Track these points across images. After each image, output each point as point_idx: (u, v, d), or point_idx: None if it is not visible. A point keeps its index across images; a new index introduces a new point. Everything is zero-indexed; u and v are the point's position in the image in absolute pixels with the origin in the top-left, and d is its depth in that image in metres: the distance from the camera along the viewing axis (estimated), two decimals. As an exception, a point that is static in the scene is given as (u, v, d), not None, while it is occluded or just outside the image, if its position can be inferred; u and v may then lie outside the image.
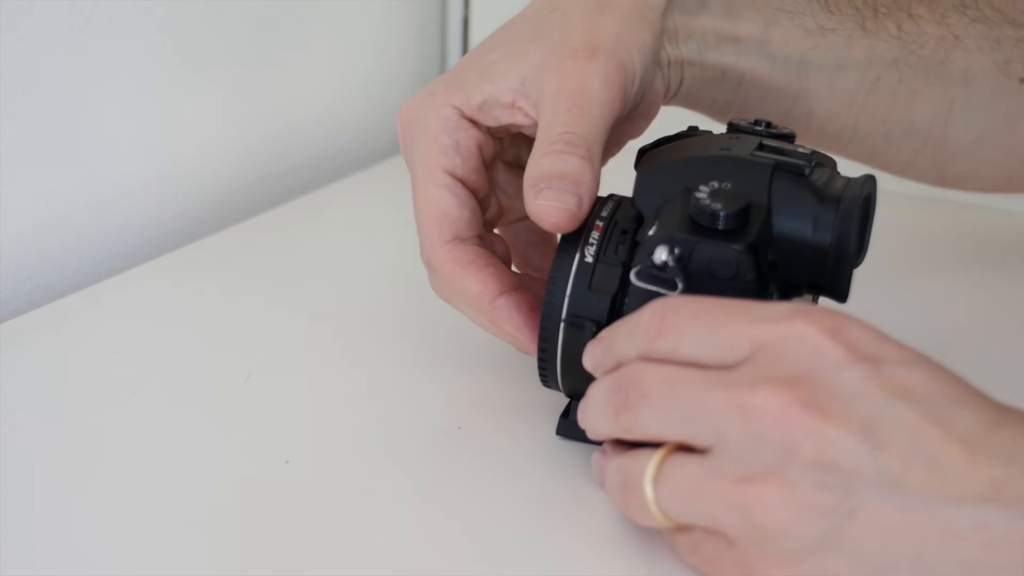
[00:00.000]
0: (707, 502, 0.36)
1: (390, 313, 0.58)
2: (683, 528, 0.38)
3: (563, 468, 0.45)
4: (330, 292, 0.61)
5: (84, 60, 0.62)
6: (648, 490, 0.37)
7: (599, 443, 0.43)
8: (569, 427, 0.46)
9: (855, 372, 0.34)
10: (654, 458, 0.37)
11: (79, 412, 0.49)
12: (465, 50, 0.91)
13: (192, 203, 0.71)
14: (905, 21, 0.53)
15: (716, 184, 0.40)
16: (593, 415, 0.40)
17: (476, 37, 0.89)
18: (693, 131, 0.47)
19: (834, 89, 0.53)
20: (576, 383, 0.43)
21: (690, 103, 0.54)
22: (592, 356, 0.41)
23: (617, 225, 0.43)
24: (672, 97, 0.52)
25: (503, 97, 0.46)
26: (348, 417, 0.49)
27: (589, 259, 0.42)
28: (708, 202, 0.40)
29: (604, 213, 0.43)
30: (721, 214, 0.39)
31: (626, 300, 0.42)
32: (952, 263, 0.68)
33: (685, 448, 0.37)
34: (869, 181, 0.43)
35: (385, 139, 0.86)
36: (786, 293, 0.42)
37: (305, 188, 0.77)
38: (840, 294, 0.43)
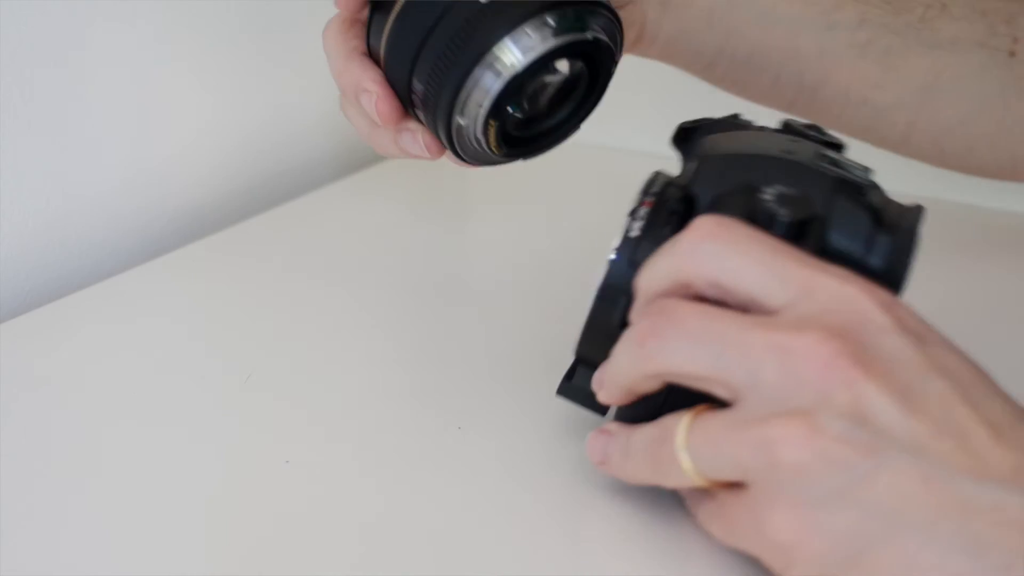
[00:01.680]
0: (735, 446, 0.35)
1: (390, 313, 0.58)
2: (710, 489, 0.38)
3: (564, 468, 0.45)
4: (330, 292, 0.61)
5: (83, 60, 0.62)
6: (681, 443, 0.37)
7: (599, 411, 0.43)
8: (571, 389, 0.45)
9: (900, 341, 0.35)
10: (686, 416, 0.37)
11: (79, 412, 0.49)
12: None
13: (192, 203, 0.71)
14: None
15: (783, 188, 0.40)
16: (618, 351, 0.39)
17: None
18: (736, 118, 0.47)
19: (824, 51, 0.53)
20: (594, 350, 0.43)
21: (672, 52, 0.53)
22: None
23: (666, 204, 0.42)
24: (652, 41, 0.52)
25: None
26: (348, 417, 0.49)
27: (635, 233, 0.41)
28: (774, 205, 0.39)
29: (655, 189, 0.42)
30: (785, 220, 0.39)
31: None
32: (951, 262, 0.68)
33: (712, 407, 0.37)
34: (920, 212, 0.42)
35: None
36: None
37: (304, 188, 0.77)
38: None
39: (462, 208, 0.76)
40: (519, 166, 0.51)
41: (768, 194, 0.40)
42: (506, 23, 0.43)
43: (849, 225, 0.40)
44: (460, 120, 0.45)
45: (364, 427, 0.48)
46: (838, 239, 0.40)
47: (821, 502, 0.33)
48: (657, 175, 0.43)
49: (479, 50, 0.44)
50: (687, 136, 0.46)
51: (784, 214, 0.39)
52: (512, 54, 0.44)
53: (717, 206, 0.40)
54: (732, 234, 0.37)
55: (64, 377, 0.51)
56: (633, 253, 0.41)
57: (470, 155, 0.48)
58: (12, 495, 0.42)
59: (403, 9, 0.46)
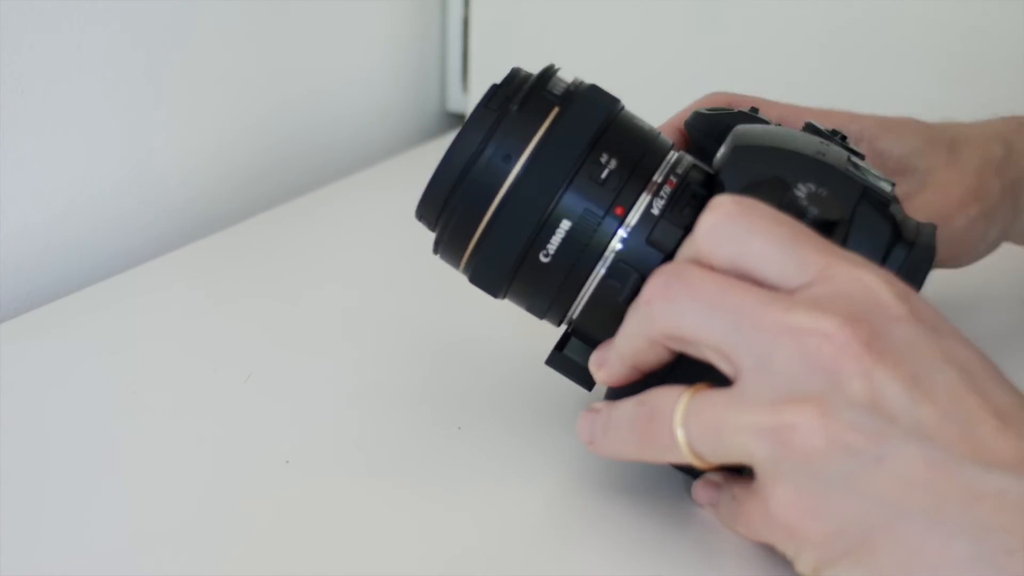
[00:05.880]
0: (738, 431, 0.35)
1: (390, 313, 0.58)
2: (721, 484, 0.38)
3: (564, 468, 0.45)
4: (330, 292, 0.61)
5: (84, 58, 0.62)
6: (679, 420, 0.36)
7: (586, 384, 0.43)
8: (561, 360, 0.44)
9: (914, 330, 0.35)
10: (685, 393, 0.37)
11: (79, 412, 0.49)
12: (465, 50, 0.91)
13: (192, 203, 0.71)
14: None
15: (815, 187, 0.40)
16: (626, 320, 0.39)
17: (476, 37, 0.89)
18: (756, 112, 0.47)
19: None
20: (594, 324, 0.42)
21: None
22: None
23: (689, 187, 0.41)
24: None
25: None
26: (348, 417, 0.49)
27: (655, 211, 0.41)
28: (804, 202, 0.39)
29: (679, 171, 0.42)
30: (812, 217, 0.39)
31: None
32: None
33: (711, 385, 0.36)
34: (935, 229, 0.42)
35: (384, 139, 0.86)
36: None
37: (305, 188, 0.77)
38: None
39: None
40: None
41: (801, 191, 0.39)
42: None
43: (870, 233, 0.40)
44: None
45: (364, 427, 0.48)
46: (857, 246, 0.39)
47: (829, 487, 0.34)
48: (681, 156, 0.43)
49: None
50: (705, 123, 0.46)
51: (814, 212, 0.39)
52: None
53: (746, 193, 0.40)
54: (752, 214, 0.37)
55: (64, 377, 0.51)
56: (650, 231, 0.41)
57: None
58: (12, 495, 0.42)
59: None
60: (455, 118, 0.92)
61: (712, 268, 0.37)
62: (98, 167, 0.65)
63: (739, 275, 0.36)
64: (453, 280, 0.65)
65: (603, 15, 0.84)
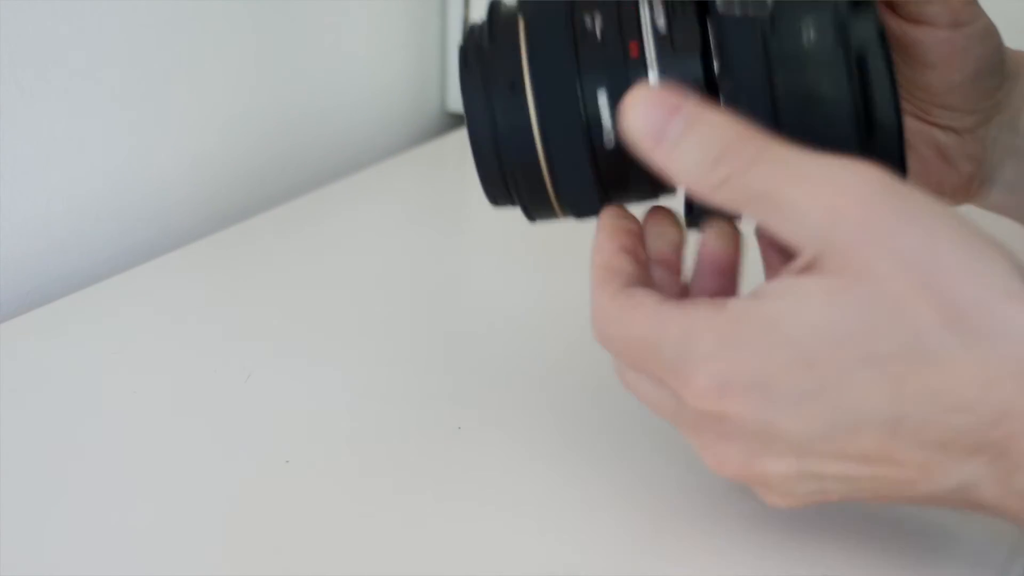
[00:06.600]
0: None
1: (390, 313, 0.58)
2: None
3: (564, 468, 0.45)
4: (330, 292, 0.61)
5: (84, 58, 0.62)
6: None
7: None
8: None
9: None
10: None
11: (79, 412, 0.49)
12: (465, 50, 0.91)
13: (192, 202, 0.71)
14: None
15: None
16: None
17: (476, 37, 0.89)
18: None
19: None
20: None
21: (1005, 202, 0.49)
22: None
23: None
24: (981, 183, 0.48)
25: None
26: (348, 417, 0.49)
27: (663, 29, 0.38)
28: None
29: None
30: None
31: (717, 44, 0.37)
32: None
33: None
34: None
35: (384, 139, 0.86)
36: None
37: (304, 188, 0.77)
38: None
39: (462, 208, 0.76)
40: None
41: None
42: None
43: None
44: None
45: (364, 427, 0.48)
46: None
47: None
48: None
49: None
50: None
51: None
52: None
53: None
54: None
55: (64, 377, 0.51)
56: (672, 44, 0.38)
57: None
58: (12, 495, 0.42)
59: None
60: (455, 118, 0.92)
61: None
62: (98, 167, 0.65)
63: None
64: (453, 280, 0.65)
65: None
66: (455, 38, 0.91)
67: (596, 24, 0.39)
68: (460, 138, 0.87)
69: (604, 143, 0.39)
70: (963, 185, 0.48)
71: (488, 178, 0.40)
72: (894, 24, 0.44)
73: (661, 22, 0.38)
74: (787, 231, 0.34)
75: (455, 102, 0.92)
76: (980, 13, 0.45)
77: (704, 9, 0.38)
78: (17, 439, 0.46)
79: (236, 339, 0.56)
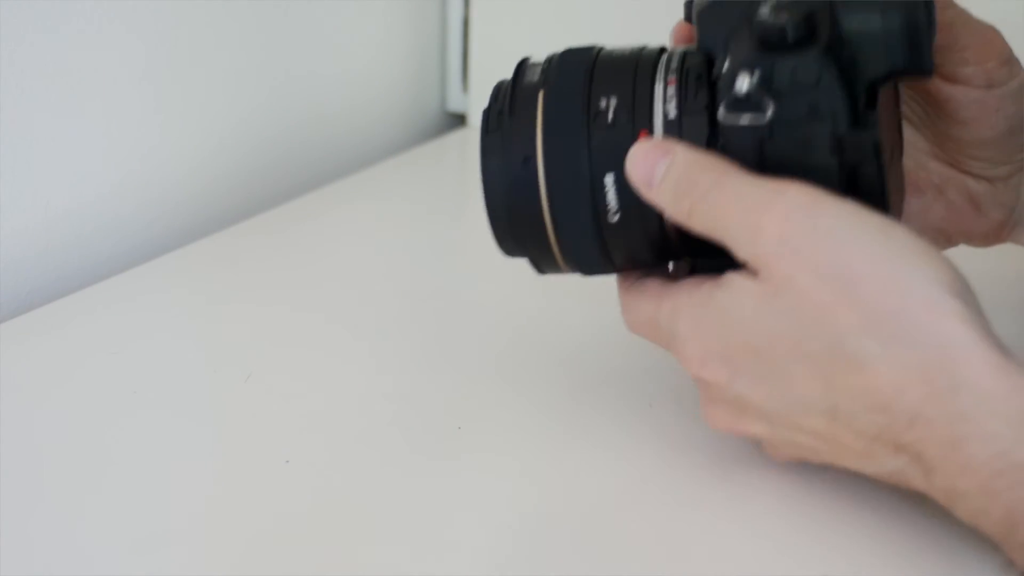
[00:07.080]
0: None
1: (390, 313, 0.58)
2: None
3: (565, 469, 0.45)
4: (330, 292, 0.61)
5: (83, 59, 0.62)
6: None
7: None
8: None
9: None
10: None
11: (79, 412, 0.49)
12: (465, 50, 0.91)
13: (192, 203, 0.71)
14: None
15: (774, 0, 0.39)
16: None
17: (476, 37, 0.89)
18: None
19: None
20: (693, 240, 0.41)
21: None
22: None
23: (690, 73, 0.41)
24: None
25: None
26: (348, 417, 0.49)
27: (673, 115, 0.41)
28: (772, 20, 0.39)
29: (674, 66, 0.41)
30: (788, 27, 0.38)
31: (720, 144, 0.40)
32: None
33: None
34: None
35: (384, 139, 0.86)
36: (873, 88, 0.40)
37: (304, 188, 0.77)
38: (924, 70, 0.41)
39: (462, 208, 0.76)
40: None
41: (764, 11, 0.39)
42: None
43: (855, 2, 0.40)
44: None
45: (364, 427, 0.48)
46: (850, 21, 0.39)
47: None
48: (671, 53, 0.42)
49: None
50: (697, 5, 0.44)
51: (784, 21, 0.38)
52: None
53: (729, 49, 0.40)
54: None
55: (64, 377, 0.51)
56: (680, 133, 0.40)
57: None
58: (12, 495, 0.42)
59: None
60: (455, 118, 0.92)
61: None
62: (98, 167, 0.65)
63: None
64: (453, 280, 0.65)
65: (603, 15, 0.84)
66: (455, 38, 0.91)
67: (610, 106, 0.41)
68: (460, 138, 0.87)
69: (609, 220, 0.41)
70: (994, 231, 0.49)
71: (501, 237, 0.44)
72: (928, 80, 0.45)
73: (672, 110, 0.41)
74: (735, 250, 0.38)
75: (455, 102, 0.92)
76: (1016, 72, 0.46)
77: (715, 94, 0.40)
78: (17, 439, 0.46)
79: (236, 339, 0.56)
